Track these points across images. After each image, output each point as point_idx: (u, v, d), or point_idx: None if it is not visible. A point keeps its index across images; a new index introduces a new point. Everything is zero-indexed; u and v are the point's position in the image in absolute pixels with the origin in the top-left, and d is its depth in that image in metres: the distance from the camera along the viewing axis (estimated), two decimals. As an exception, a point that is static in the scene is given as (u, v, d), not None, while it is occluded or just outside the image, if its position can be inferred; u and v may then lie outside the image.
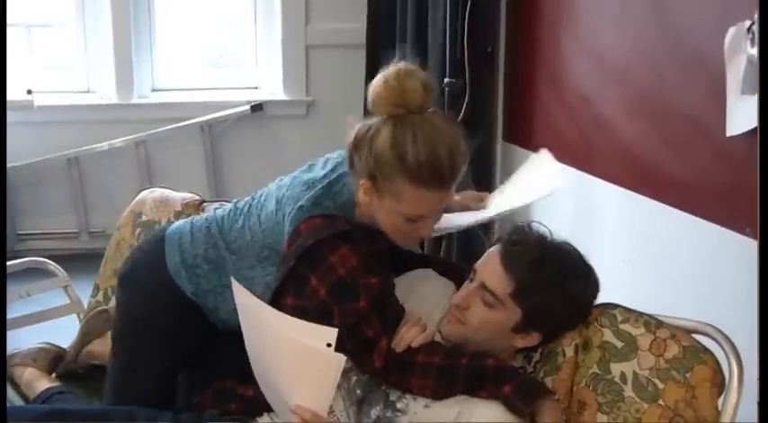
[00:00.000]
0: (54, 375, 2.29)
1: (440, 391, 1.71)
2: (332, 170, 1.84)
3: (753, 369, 1.61)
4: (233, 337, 1.94)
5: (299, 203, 1.77)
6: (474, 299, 1.76)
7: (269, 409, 1.83)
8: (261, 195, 1.94)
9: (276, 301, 1.77)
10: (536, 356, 1.84)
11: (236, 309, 1.86)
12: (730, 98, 2.22)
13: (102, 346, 2.24)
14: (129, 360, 2.02)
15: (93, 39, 4.49)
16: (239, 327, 1.89)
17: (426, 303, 1.88)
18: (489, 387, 1.68)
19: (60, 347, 2.34)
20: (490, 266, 1.77)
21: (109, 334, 2.14)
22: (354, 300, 1.71)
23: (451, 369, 1.71)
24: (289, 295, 1.76)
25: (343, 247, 1.72)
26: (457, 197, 2.02)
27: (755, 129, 2.12)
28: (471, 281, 1.79)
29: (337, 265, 1.71)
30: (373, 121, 1.71)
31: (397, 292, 1.83)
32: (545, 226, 1.82)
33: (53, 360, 2.30)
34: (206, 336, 1.98)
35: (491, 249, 1.81)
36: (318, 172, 1.85)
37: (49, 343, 2.34)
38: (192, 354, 1.99)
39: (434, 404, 1.71)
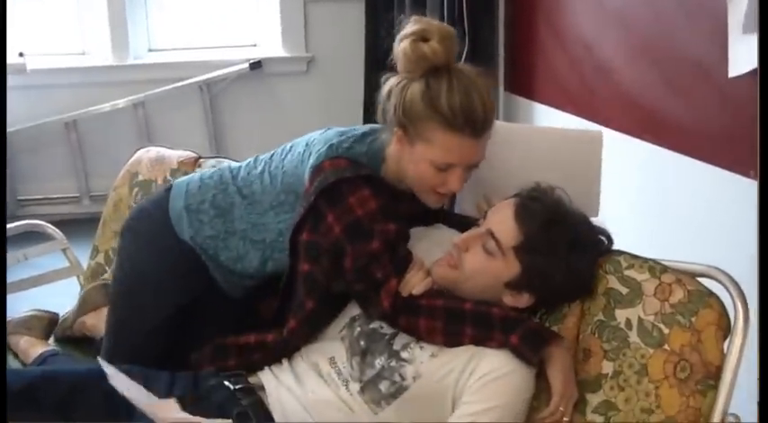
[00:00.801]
0: (50, 340, 2.28)
1: (449, 334, 1.70)
2: (367, 127, 1.87)
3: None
4: (231, 293, 1.97)
5: (331, 142, 1.78)
6: (476, 243, 1.74)
7: (269, 362, 1.83)
8: (283, 147, 1.94)
9: (294, 236, 1.80)
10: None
11: (237, 256, 1.89)
12: (732, 38, 2.17)
13: (96, 320, 2.24)
14: (125, 314, 2.01)
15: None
16: (239, 278, 1.93)
17: (434, 250, 1.86)
18: (497, 335, 1.67)
19: (52, 313, 2.33)
20: (501, 215, 1.74)
21: (104, 309, 2.14)
22: (368, 241, 1.73)
23: (458, 312, 1.71)
24: (305, 230, 1.78)
25: (365, 190, 1.74)
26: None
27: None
28: (479, 226, 1.77)
29: (356, 206, 1.73)
30: (406, 74, 1.75)
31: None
32: (566, 193, 1.79)
33: (47, 326, 2.29)
34: (204, 291, 1.96)
35: (507, 200, 1.78)
36: (354, 128, 1.87)
37: (40, 309, 2.32)
38: (189, 309, 1.97)
39: (441, 352, 1.69)
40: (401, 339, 1.75)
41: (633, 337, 1.70)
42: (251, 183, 1.92)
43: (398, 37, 1.74)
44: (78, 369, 1.93)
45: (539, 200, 1.76)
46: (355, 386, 1.73)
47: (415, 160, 1.75)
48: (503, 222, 1.73)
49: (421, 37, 1.71)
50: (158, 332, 1.95)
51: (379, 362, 1.73)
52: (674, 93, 2.55)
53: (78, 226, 2.86)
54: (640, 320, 1.70)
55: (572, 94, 3.12)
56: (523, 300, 1.74)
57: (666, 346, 1.66)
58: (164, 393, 1.79)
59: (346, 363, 1.76)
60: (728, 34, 2.16)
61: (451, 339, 1.70)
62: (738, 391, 1.60)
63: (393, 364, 1.72)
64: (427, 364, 1.70)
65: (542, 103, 3.42)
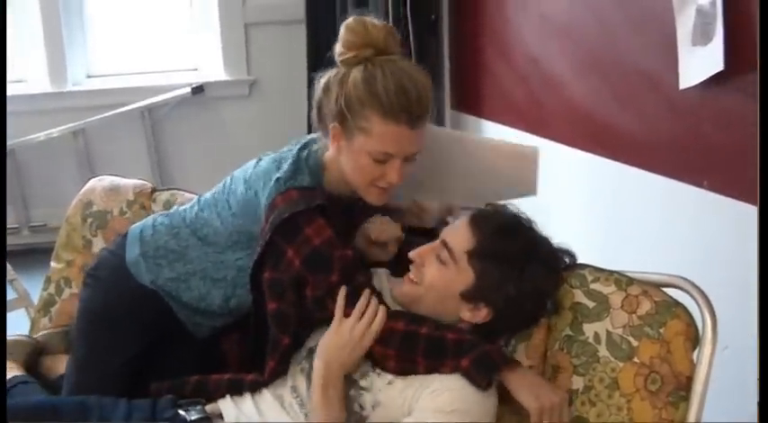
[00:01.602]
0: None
1: (402, 361, 1.69)
2: (296, 144, 1.87)
3: (722, 321, 1.61)
4: (196, 333, 1.96)
5: (276, 176, 1.77)
6: (430, 255, 1.74)
7: (229, 392, 1.80)
8: (224, 184, 1.94)
9: (255, 276, 1.78)
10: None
11: (200, 295, 1.90)
12: (682, 50, 2.20)
13: (53, 363, 2.21)
14: (86, 356, 2.00)
15: (21, 24, 4.35)
16: (202, 316, 1.93)
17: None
18: (449, 361, 1.66)
19: (36, 340, 2.26)
20: (456, 224, 1.75)
21: (63, 356, 2.15)
22: (327, 271, 1.72)
23: (412, 337, 1.69)
24: (266, 268, 1.77)
25: (319, 219, 1.73)
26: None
27: (708, 80, 2.12)
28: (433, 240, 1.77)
29: (313, 236, 1.72)
30: (341, 68, 1.76)
31: None
32: (524, 213, 1.79)
33: (30, 353, 2.23)
34: (167, 331, 1.95)
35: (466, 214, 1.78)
36: (283, 151, 1.87)
37: (26, 335, 2.27)
38: (152, 349, 1.96)
39: (396, 380, 1.68)
40: (359, 367, 1.72)
41: (602, 350, 1.70)
42: (202, 226, 1.92)
43: (344, 23, 1.76)
44: (40, 405, 1.87)
45: (495, 210, 1.77)
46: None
47: (353, 154, 1.75)
48: (456, 230, 1.74)
49: (366, 19, 1.75)
50: (121, 373, 1.94)
51: None
52: (623, 105, 2.58)
53: (18, 257, 2.79)
54: (609, 334, 1.70)
55: (520, 110, 3.14)
56: (482, 314, 1.71)
57: (636, 359, 1.67)
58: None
59: (307, 391, 1.73)
60: (678, 46, 2.19)
61: (404, 366, 1.69)
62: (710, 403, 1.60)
63: (352, 392, 1.70)
64: (385, 391, 1.68)
65: (490, 119, 3.43)
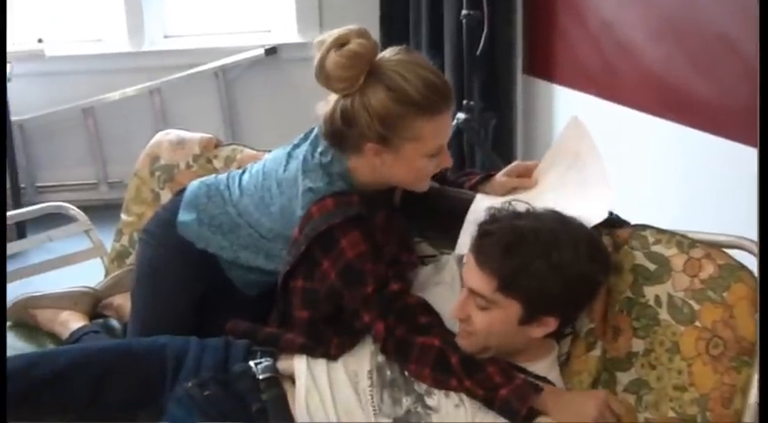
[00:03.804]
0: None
1: (436, 380, 1.67)
2: (308, 145, 1.83)
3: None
4: (246, 291, 2.00)
5: (309, 185, 1.76)
6: (469, 307, 1.67)
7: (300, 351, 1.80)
8: (260, 173, 1.93)
9: (286, 283, 1.78)
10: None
11: (252, 262, 1.93)
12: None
13: (123, 301, 2.27)
14: (144, 310, 2.05)
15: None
16: (256, 274, 1.95)
17: (442, 292, 1.84)
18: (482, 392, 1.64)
19: (98, 290, 2.34)
20: (469, 269, 1.67)
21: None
22: (361, 284, 1.71)
23: (446, 360, 1.66)
24: (299, 278, 1.77)
25: (355, 232, 1.72)
26: (502, 178, 1.95)
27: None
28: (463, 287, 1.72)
29: (347, 248, 1.71)
30: (339, 96, 1.71)
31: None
32: (524, 202, 1.73)
33: (93, 303, 2.31)
34: (219, 289, 2.00)
35: (469, 251, 1.71)
36: (307, 150, 1.82)
37: (86, 286, 2.33)
38: (203, 307, 2.01)
39: (464, 402, 1.65)
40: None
41: (663, 314, 1.69)
42: (244, 212, 1.92)
43: (317, 62, 1.70)
44: (111, 347, 1.93)
45: (489, 233, 1.66)
46: (384, 420, 1.69)
47: (405, 161, 1.74)
48: (474, 276, 1.65)
49: (341, 43, 1.67)
50: (177, 325, 1.96)
51: (406, 402, 1.69)
52: (699, 70, 2.52)
53: (96, 212, 2.86)
54: (670, 297, 1.69)
55: (593, 75, 3.09)
56: (550, 323, 1.65)
57: (698, 323, 1.65)
58: (194, 361, 1.81)
59: (370, 388, 1.72)
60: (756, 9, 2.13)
61: (439, 385, 1.68)
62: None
63: (419, 409, 1.68)
64: (452, 414, 1.66)
65: (562, 85, 3.39)
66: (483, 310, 1.65)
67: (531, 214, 1.70)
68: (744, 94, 2.34)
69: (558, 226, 1.66)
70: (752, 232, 1.68)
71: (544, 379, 1.69)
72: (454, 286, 1.83)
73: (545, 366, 1.72)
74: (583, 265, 1.62)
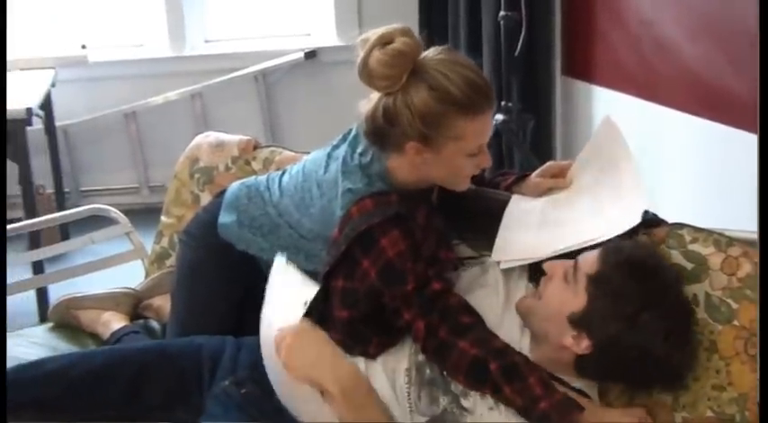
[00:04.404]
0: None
1: (470, 386, 1.68)
2: (347, 146, 1.83)
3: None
4: None
5: (348, 186, 1.77)
6: (559, 271, 1.69)
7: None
8: (300, 173, 1.94)
9: (326, 283, 1.78)
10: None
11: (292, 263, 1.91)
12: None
13: (163, 302, 2.30)
14: (184, 312, 2.08)
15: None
16: None
17: (487, 295, 1.84)
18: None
19: (139, 292, 2.38)
20: (593, 251, 1.69)
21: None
22: (402, 282, 1.71)
23: (482, 366, 1.65)
24: (339, 277, 1.77)
25: (394, 231, 1.72)
26: (536, 179, 1.96)
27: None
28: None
29: (387, 247, 1.71)
30: (381, 94, 1.71)
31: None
32: (671, 267, 1.70)
33: (134, 304, 2.34)
34: (258, 289, 1.98)
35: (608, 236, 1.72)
36: (346, 151, 1.83)
37: (128, 287, 2.37)
38: (244, 306, 2.03)
39: (499, 407, 1.65)
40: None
41: (701, 313, 1.67)
42: (284, 212, 1.93)
43: (361, 59, 1.69)
44: (147, 348, 1.96)
45: (637, 244, 1.70)
46: (419, 419, 1.71)
47: (446, 161, 1.74)
48: (590, 254, 1.68)
49: (385, 42, 1.67)
50: (218, 326, 2.00)
51: (443, 401, 1.69)
52: (737, 69, 2.50)
53: (138, 215, 2.90)
54: (707, 296, 1.67)
55: (632, 75, 3.07)
56: (582, 345, 1.64)
57: (736, 322, 1.63)
58: (230, 360, 1.82)
59: (407, 385, 1.73)
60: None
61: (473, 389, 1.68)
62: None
63: (455, 410, 1.68)
64: (487, 416, 1.66)
65: (601, 85, 3.37)
66: (564, 281, 1.66)
67: (676, 277, 1.68)
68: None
69: (676, 303, 1.65)
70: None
71: (585, 394, 1.69)
72: (498, 290, 1.82)
73: (586, 385, 1.71)
74: (654, 344, 1.60)
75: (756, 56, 2.39)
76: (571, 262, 1.69)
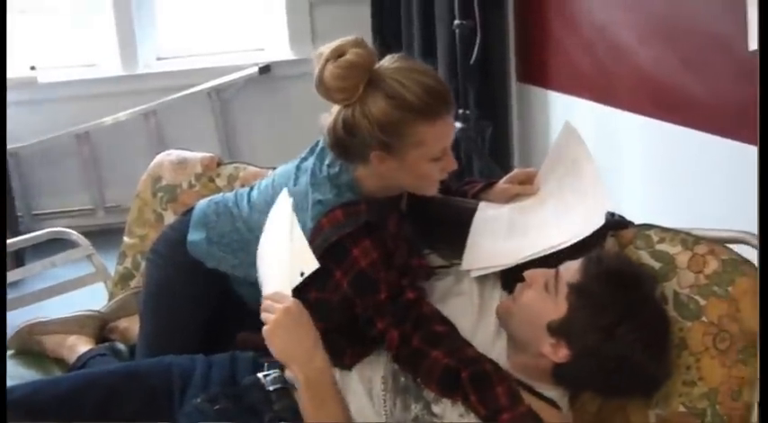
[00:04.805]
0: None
1: (443, 394, 1.68)
2: (315, 158, 1.83)
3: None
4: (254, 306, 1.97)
5: (318, 198, 1.77)
6: (540, 279, 1.69)
7: None
8: (269, 189, 1.93)
9: (298, 295, 1.76)
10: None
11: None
12: (751, 10, 2.16)
13: (129, 323, 2.28)
14: (153, 331, 2.06)
15: (94, 9, 4.45)
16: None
17: (460, 304, 1.84)
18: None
19: (104, 313, 2.34)
20: (576, 260, 1.70)
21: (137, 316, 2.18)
22: (374, 292, 1.71)
23: (454, 376, 1.65)
24: (312, 289, 1.75)
25: (366, 241, 1.72)
26: (504, 186, 1.98)
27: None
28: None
29: (360, 257, 1.71)
30: (340, 106, 1.71)
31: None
32: (655, 283, 1.70)
33: (99, 327, 2.31)
34: (227, 305, 2.00)
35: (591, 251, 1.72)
36: (314, 163, 1.83)
37: (92, 310, 2.33)
38: (213, 324, 2.02)
39: (468, 415, 1.65)
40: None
41: (670, 311, 1.69)
42: (255, 227, 1.91)
43: (316, 74, 1.68)
44: (115, 370, 1.93)
45: (619, 256, 1.71)
46: None
47: (410, 167, 1.74)
48: (572, 264, 1.69)
49: (338, 55, 1.67)
50: (187, 345, 1.97)
51: (415, 408, 1.69)
52: (691, 70, 2.54)
53: (95, 237, 2.86)
54: (676, 294, 1.70)
55: (587, 80, 3.11)
56: (561, 354, 1.64)
57: (704, 318, 1.66)
58: (201, 378, 1.81)
59: (383, 392, 1.73)
60: (747, 7, 2.15)
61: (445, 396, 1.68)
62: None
63: (426, 416, 1.68)
64: None
65: (557, 90, 3.40)
66: (545, 289, 1.67)
67: (654, 289, 1.69)
68: (736, 91, 2.36)
69: (655, 314, 1.66)
70: (751, 227, 1.69)
71: (555, 404, 1.69)
72: (472, 298, 1.83)
73: (557, 393, 1.71)
74: (634, 355, 1.60)
75: (712, 57, 2.44)
76: (552, 271, 1.69)
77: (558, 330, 1.64)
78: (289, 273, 1.64)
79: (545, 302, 1.66)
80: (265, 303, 1.65)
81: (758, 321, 1.59)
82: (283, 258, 1.66)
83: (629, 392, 1.70)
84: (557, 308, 1.64)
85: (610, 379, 1.65)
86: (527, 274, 1.72)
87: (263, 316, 1.63)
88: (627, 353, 1.60)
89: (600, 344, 1.60)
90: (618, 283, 1.62)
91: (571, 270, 1.67)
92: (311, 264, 1.62)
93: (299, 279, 1.63)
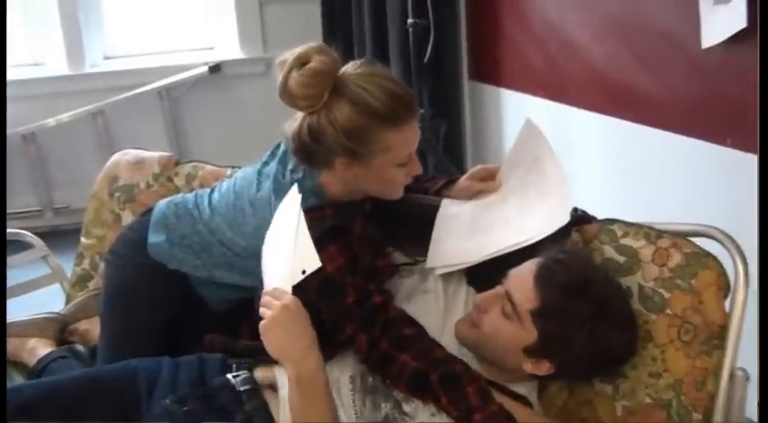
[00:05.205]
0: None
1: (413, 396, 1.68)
2: (277, 162, 1.83)
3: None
4: (216, 307, 1.98)
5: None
6: (494, 304, 1.69)
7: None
8: (230, 191, 1.92)
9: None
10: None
11: (225, 280, 1.92)
12: (704, 8, 2.21)
13: (89, 325, 2.25)
14: (114, 332, 2.03)
15: (38, 8, 4.38)
16: (228, 290, 1.94)
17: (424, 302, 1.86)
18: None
19: (64, 315, 2.31)
20: (522, 277, 1.68)
21: (97, 318, 2.15)
22: (341, 296, 1.71)
23: (423, 378, 1.66)
24: None
25: (332, 246, 1.72)
26: (466, 182, 1.99)
27: (731, 38, 2.12)
28: (501, 285, 1.72)
29: (326, 264, 1.69)
30: (305, 113, 1.71)
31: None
32: (600, 265, 1.73)
33: (59, 329, 2.27)
34: (187, 306, 1.99)
35: (532, 260, 1.71)
36: (277, 169, 1.83)
37: (51, 312, 2.30)
38: (175, 325, 2.00)
39: (440, 415, 1.65)
40: None
41: (635, 304, 1.72)
42: (216, 230, 1.91)
43: (280, 82, 1.68)
44: (79, 376, 1.90)
45: (564, 264, 1.68)
46: None
47: (376, 173, 1.75)
48: (521, 285, 1.67)
49: (302, 62, 1.67)
50: (148, 346, 1.95)
51: (385, 408, 1.70)
52: (645, 67, 2.58)
53: (44, 239, 2.81)
54: (640, 287, 1.72)
55: (540, 77, 3.14)
56: (544, 368, 1.67)
57: (668, 311, 1.68)
58: (168, 379, 1.79)
59: (351, 392, 1.74)
60: (700, 5, 2.20)
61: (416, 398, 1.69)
62: (743, 349, 1.62)
63: (397, 415, 1.68)
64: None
65: (510, 88, 3.44)
66: (504, 315, 1.66)
67: (607, 275, 1.72)
68: (688, 88, 2.40)
69: (619, 299, 1.69)
70: (708, 220, 1.73)
71: (524, 399, 1.71)
72: (438, 295, 1.84)
73: (527, 388, 1.74)
74: (614, 346, 1.65)
75: (664, 54, 2.48)
76: (501, 292, 1.69)
77: (535, 352, 1.66)
78: (291, 270, 1.63)
79: (512, 329, 1.66)
80: (265, 299, 1.63)
81: (723, 312, 1.64)
82: (286, 255, 1.65)
83: (598, 375, 1.73)
84: (527, 334, 1.65)
85: (585, 370, 1.70)
86: (476, 300, 1.73)
87: (262, 311, 1.62)
88: (605, 347, 1.64)
89: (581, 349, 1.63)
90: (575, 292, 1.63)
91: (525, 295, 1.65)
92: (314, 262, 1.60)
93: (301, 277, 1.61)
